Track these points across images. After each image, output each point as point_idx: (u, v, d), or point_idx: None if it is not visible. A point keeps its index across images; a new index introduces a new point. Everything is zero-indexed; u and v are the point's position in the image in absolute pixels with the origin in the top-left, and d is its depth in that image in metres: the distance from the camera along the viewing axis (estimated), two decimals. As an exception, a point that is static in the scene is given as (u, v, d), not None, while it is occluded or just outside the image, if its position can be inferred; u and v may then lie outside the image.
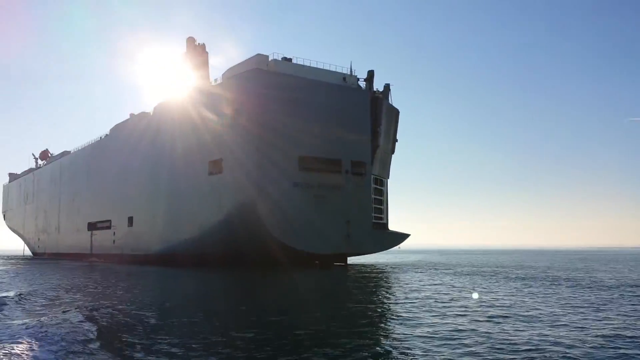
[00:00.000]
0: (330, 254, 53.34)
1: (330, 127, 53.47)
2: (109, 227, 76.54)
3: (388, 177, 64.99)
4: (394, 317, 18.76)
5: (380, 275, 44.80)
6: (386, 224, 63.68)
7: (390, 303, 23.62)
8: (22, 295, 25.72)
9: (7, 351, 12.41)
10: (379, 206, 61.50)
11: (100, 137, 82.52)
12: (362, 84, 60.53)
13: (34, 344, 13.27)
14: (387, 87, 64.89)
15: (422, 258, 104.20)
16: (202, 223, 54.55)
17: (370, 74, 60.82)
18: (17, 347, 12.84)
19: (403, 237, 64.34)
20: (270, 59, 53.50)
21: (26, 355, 12.03)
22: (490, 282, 36.11)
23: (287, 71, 53.17)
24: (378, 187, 61.52)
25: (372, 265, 62.55)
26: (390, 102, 64.57)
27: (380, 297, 26.84)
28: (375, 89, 62.47)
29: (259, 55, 53.33)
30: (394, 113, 64.50)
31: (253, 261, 50.92)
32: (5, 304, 22.10)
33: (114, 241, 74.70)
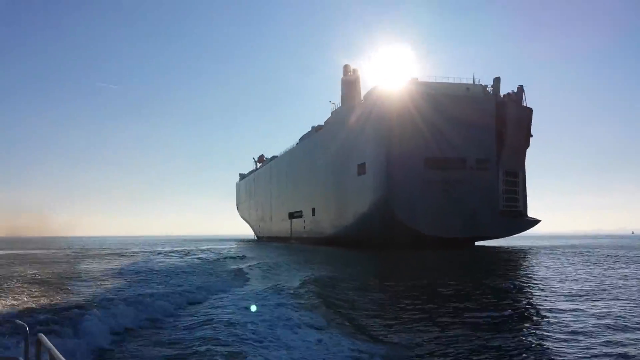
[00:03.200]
0: (456, 237, 63.99)
1: (454, 132, 64.05)
2: (300, 216, 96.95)
3: (522, 169, 71.98)
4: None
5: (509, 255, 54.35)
6: (522, 211, 71.12)
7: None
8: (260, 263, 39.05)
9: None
10: (512, 195, 69.53)
11: (295, 144, 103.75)
12: (491, 89, 69.19)
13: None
14: (520, 88, 71.96)
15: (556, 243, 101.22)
16: (355, 213, 70.05)
17: (496, 80, 69.03)
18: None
19: (533, 222, 70.96)
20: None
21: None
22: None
23: (415, 88, 65.22)
24: (510, 179, 69.45)
25: (501, 247, 70.65)
26: (524, 102, 71.58)
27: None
28: (508, 93, 70.56)
29: (387, 79, 66.40)
30: (526, 112, 71.21)
31: (389, 244, 64.40)
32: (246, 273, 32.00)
33: (304, 227, 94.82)
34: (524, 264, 42.52)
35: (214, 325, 14.43)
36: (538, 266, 38.77)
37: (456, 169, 64.45)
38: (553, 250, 63.33)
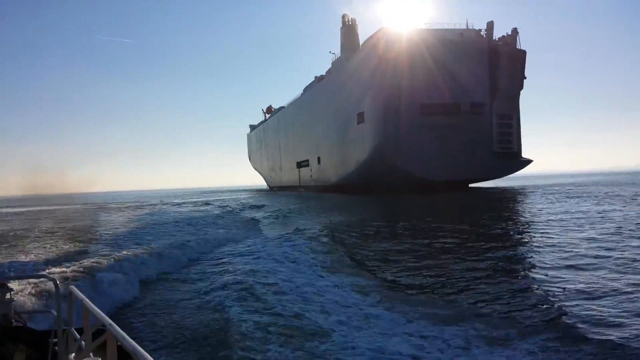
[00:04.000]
0: (452, 180, 67.32)
1: (449, 77, 66.27)
2: (307, 165, 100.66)
3: (516, 111, 74.24)
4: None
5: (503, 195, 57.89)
6: (516, 152, 73.94)
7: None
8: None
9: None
10: (506, 137, 72.18)
11: (300, 94, 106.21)
12: (484, 33, 70.68)
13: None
14: (514, 31, 73.24)
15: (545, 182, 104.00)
16: (356, 161, 73.48)
17: (489, 24, 70.41)
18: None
19: (526, 162, 73.89)
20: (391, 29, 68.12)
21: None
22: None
23: (411, 36, 67.06)
24: (504, 121, 71.90)
25: (495, 188, 74.01)
26: (518, 44, 73.06)
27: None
28: (503, 36, 72.09)
29: (383, 29, 68.20)
30: (520, 55, 72.76)
31: (389, 190, 67.97)
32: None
33: (311, 176, 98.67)
34: (515, 205, 45.95)
35: (233, 272, 15.50)
36: (524, 204, 42.43)
37: (451, 114, 67.04)
38: (534, 190, 66.50)
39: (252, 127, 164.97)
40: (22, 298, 10.60)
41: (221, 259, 18.95)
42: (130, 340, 2.98)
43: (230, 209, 50.16)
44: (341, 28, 79.91)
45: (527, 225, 27.50)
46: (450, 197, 55.45)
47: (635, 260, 15.62)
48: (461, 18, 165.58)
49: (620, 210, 32.07)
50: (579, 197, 47.80)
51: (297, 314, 10.97)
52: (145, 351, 2.65)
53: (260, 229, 30.99)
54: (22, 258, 19.13)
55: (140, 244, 21.85)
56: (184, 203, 66.92)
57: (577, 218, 28.70)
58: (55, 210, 64.73)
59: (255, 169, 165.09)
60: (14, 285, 6.14)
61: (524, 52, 73.19)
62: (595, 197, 46.49)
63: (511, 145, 72.90)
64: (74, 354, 4.89)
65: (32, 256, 19.65)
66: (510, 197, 56.93)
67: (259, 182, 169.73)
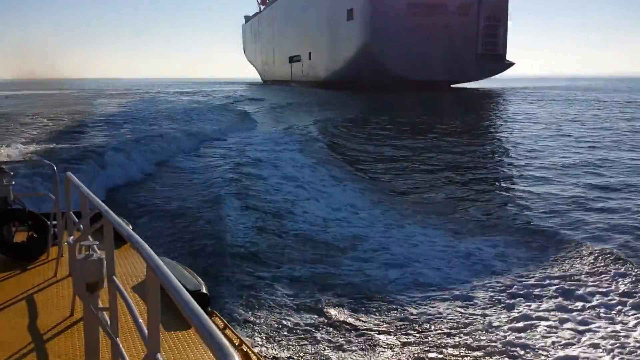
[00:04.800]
0: (435, 80, 69.66)
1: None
2: (299, 60, 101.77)
3: (505, 14, 74.75)
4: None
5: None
6: (501, 55, 75.51)
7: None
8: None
9: None
10: (492, 40, 73.49)
11: None
12: None
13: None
14: None
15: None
16: (344, 58, 75.23)
17: None
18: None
19: (508, 65, 75.79)
20: None
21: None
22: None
23: None
24: (491, 23, 72.82)
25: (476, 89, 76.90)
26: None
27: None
28: None
29: None
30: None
31: (375, 87, 70.34)
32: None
33: (302, 71, 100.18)
34: (490, 104, 49.26)
35: (226, 163, 16.67)
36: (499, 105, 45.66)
37: (438, 14, 68.04)
38: (510, 92, 69.26)
39: (247, 18, 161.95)
40: (21, 182, 10.75)
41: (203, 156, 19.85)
42: (125, 225, 3.10)
43: (223, 101, 52.43)
44: None
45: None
46: (431, 96, 58.20)
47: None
48: None
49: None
50: (542, 100, 51.15)
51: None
52: (139, 236, 2.74)
53: (253, 122, 32.66)
54: (21, 142, 19.66)
55: (135, 131, 22.92)
56: (179, 92, 69.48)
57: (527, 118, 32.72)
58: (50, 95, 67.18)
59: (249, 61, 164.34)
60: (12, 169, 6.29)
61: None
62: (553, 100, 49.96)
63: (496, 47, 74.27)
64: (72, 236, 5.05)
65: (30, 140, 20.20)
66: (486, 98, 60.08)
67: (253, 75, 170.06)
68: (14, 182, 6.13)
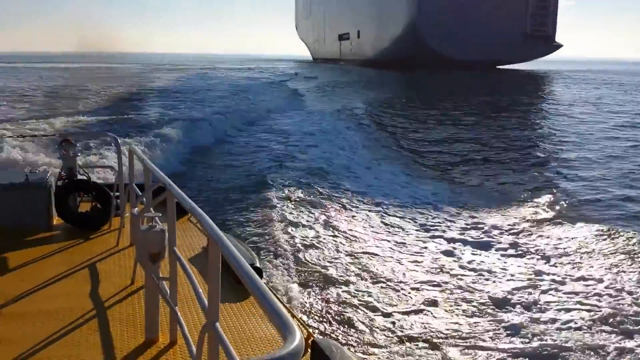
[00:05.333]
0: (480, 60, 70.12)
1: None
2: (348, 39, 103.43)
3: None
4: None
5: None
6: (550, 36, 74.95)
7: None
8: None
9: None
10: (542, 19, 73.02)
11: None
12: None
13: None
14: None
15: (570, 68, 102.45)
16: (391, 37, 76.66)
17: None
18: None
19: (556, 47, 75.06)
20: None
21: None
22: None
23: None
24: (541, 2, 72.26)
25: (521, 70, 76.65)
26: None
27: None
28: None
29: None
30: None
31: (420, 66, 71.44)
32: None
33: (350, 49, 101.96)
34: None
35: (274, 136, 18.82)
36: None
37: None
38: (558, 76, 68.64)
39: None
40: (85, 153, 11.23)
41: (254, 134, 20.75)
42: (188, 199, 3.14)
43: (276, 79, 53.95)
44: None
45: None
46: (476, 77, 58.89)
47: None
48: None
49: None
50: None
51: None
52: (201, 209, 2.77)
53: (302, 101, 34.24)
54: (85, 116, 20.42)
55: (187, 113, 23.20)
56: (236, 68, 72.24)
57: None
58: (112, 67, 71.60)
59: (301, 39, 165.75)
60: (78, 140, 6.31)
61: None
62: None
63: (545, 27, 73.77)
64: (135, 208, 5.16)
65: (95, 113, 20.93)
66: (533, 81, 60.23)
67: (304, 52, 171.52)
68: (79, 154, 6.39)
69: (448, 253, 8.64)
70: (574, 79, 63.82)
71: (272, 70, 75.16)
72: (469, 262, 8.32)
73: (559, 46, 75.71)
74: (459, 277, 7.63)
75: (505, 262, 8.38)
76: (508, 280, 7.64)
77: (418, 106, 32.26)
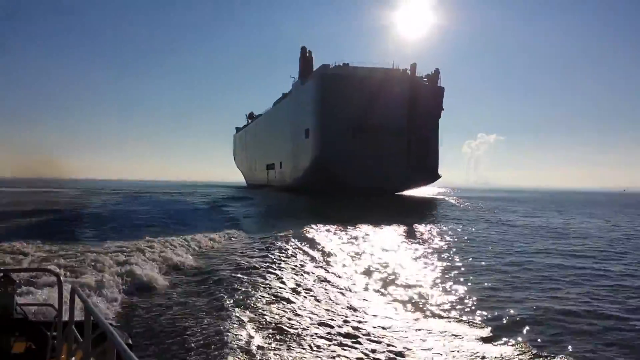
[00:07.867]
0: (377, 187, 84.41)
1: (376, 106, 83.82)
2: (273, 168, 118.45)
3: (435, 134, 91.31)
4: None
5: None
6: (433, 168, 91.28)
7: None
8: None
9: None
10: (423, 155, 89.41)
11: (271, 107, 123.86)
12: (409, 72, 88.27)
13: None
14: (436, 71, 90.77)
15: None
16: (303, 168, 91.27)
17: (413, 66, 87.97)
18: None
19: (435, 177, 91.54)
20: (332, 66, 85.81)
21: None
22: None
23: (346, 72, 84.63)
24: (422, 143, 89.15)
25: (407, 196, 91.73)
26: (439, 82, 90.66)
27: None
28: (428, 74, 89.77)
29: (323, 65, 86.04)
30: (438, 91, 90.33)
31: (327, 192, 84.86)
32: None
33: (275, 176, 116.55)
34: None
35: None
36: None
37: (377, 136, 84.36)
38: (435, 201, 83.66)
39: (237, 129, 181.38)
40: (25, 290, 10.41)
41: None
42: (129, 351, 2.90)
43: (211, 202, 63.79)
44: (300, 57, 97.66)
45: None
46: (376, 200, 71.97)
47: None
48: (403, 61, 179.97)
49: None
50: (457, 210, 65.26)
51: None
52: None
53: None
54: (27, 249, 19.26)
55: (137, 237, 23.34)
56: (173, 192, 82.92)
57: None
58: (54, 192, 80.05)
59: (238, 168, 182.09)
60: (17, 277, 6.05)
61: (442, 89, 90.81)
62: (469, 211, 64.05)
63: (426, 162, 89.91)
64: (73, 358, 4.87)
65: (36, 247, 19.67)
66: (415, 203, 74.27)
67: (239, 179, 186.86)
68: (17, 290, 5.95)
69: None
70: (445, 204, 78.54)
71: (214, 194, 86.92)
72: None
73: (438, 177, 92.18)
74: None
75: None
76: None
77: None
